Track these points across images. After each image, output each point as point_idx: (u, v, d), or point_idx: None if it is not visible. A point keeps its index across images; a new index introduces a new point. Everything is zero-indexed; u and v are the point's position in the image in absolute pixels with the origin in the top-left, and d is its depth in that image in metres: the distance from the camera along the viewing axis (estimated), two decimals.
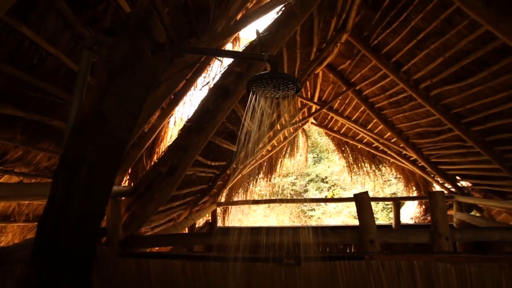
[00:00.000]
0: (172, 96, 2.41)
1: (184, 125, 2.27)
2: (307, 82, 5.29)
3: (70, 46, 1.33)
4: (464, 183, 5.14)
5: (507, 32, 2.13)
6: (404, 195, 6.13)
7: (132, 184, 2.55)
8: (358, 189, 10.66)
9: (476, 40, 2.56)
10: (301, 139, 6.70)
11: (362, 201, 1.88)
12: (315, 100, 5.60)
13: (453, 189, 5.07)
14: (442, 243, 1.84)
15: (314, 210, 10.80)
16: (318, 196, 11.10)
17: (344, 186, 11.90)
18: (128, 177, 2.58)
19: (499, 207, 4.41)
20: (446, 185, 5.20)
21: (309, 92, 5.65)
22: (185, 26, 1.87)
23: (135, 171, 2.56)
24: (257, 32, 2.19)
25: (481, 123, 3.33)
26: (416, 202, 6.09)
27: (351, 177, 6.40)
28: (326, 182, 12.63)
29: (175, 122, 2.74)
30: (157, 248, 2.91)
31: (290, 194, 12.55)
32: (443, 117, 3.66)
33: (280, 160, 6.44)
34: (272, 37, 2.24)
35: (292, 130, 6.24)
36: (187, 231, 3.61)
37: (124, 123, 1.01)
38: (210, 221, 4.98)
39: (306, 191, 12.44)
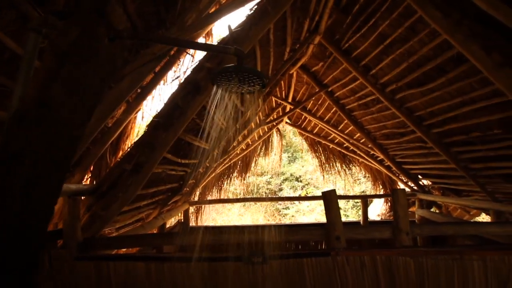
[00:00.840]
0: (139, 90, 2.29)
1: (152, 120, 2.17)
2: (282, 82, 5.33)
3: (15, 28, 1.20)
4: (425, 182, 5.47)
5: (461, 41, 2.28)
6: (372, 193, 6.37)
7: (94, 183, 2.39)
8: (330, 188, 10.95)
9: (435, 47, 2.71)
10: (275, 138, 6.71)
11: (330, 199, 1.92)
12: (290, 100, 5.67)
13: (415, 188, 5.37)
14: (403, 238, 1.93)
15: (288, 209, 10.93)
16: (292, 194, 11.24)
17: (318, 185, 12.20)
18: (90, 175, 2.42)
19: (455, 203, 4.75)
20: (409, 183, 5.50)
21: (283, 92, 5.70)
22: (152, 16, 1.77)
23: (98, 168, 2.40)
24: (229, 27, 2.15)
25: (440, 125, 3.55)
26: (382, 200, 6.36)
27: (323, 176, 6.54)
28: (300, 181, 12.86)
29: (142, 117, 2.61)
30: (124, 250, 2.76)
31: (266, 193, 12.66)
32: (407, 119, 3.85)
33: (254, 159, 6.42)
34: (245, 33, 2.21)
35: (266, 129, 6.27)
36: (156, 232, 3.47)
37: (75, 116, 0.92)
38: (182, 220, 4.85)
39: (281, 190, 12.59)
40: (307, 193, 11.01)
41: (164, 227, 3.39)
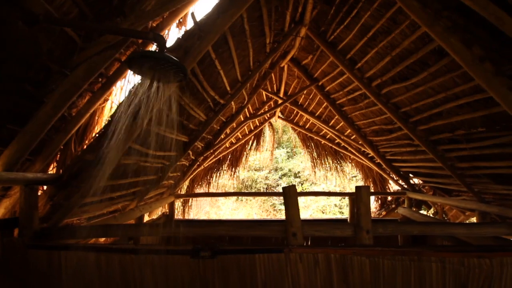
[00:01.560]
0: (104, 80, 2.25)
1: (115, 111, 2.13)
2: (273, 75, 5.24)
3: None
4: (416, 181, 5.36)
5: (440, 33, 2.18)
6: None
7: (61, 172, 2.38)
8: (327, 184, 10.90)
9: (417, 40, 2.61)
10: (267, 133, 6.64)
11: (289, 194, 1.87)
12: (281, 94, 5.58)
13: (406, 186, 5.27)
14: (363, 236, 1.87)
15: (282, 205, 10.82)
16: None
17: (316, 181, 12.15)
18: (55, 165, 2.40)
19: (443, 203, 4.65)
20: (400, 182, 5.40)
21: (275, 86, 5.62)
22: (105, 3, 1.72)
23: (63, 158, 2.39)
24: (193, 15, 2.09)
25: (426, 122, 3.45)
26: (373, 198, 6.28)
27: (314, 172, 6.47)
28: (299, 177, 12.82)
29: (111, 107, 2.58)
30: (93, 240, 2.76)
31: (263, 188, 12.70)
32: (393, 115, 3.76)
33: (245, 153, 6.36)
34: (212, 22, 2.14)
35: (257, 123, 6.21)
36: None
37: None
38: (168, 213, 4.85)
39: (278, 185, 12.56)
40: (302, 189, 10.92)
41: (142, 219, 3.38)
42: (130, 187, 3.04)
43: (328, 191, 9.77)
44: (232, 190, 12.28)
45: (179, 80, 1.14)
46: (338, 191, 5.77)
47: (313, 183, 12.31)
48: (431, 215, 5.88)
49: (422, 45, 2.58)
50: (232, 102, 4.07)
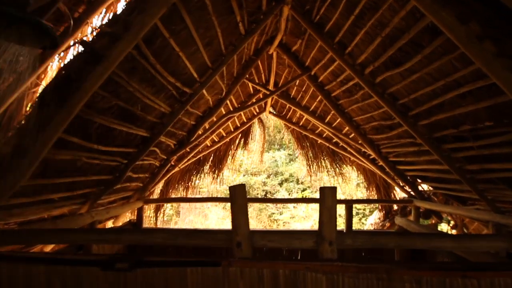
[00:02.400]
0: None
1: (39, 96, 2.03)
2: (260, 64, 5.12)
3: None
4: (425, 187, 5.16)
5: (429, 7, 2.03)
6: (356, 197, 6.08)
7: None
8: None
9: (407, 16, 2.46)
10: (257, 130, 6.51)
11: (234, 195, 1.73)
12: (271, 85, 5.46)
13: (413, 193, 5.08)
14: (325, 249, 1.72)
15: (282, 214, 10.70)
16: (288, 197, 11.03)
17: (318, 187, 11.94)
18: None
19: (453, 213, 4.44)
20: (407, 188, 5.21)
21: (263, 76, 5.50)
22: None
23: None
24: None
25: (426, 116, 3.29)
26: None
27: (310, 176, 6.31)
28: (301, 183, 12.67)
29: (36, 92, 2.48)
30: (53, 247, 2.67)
31: (261, 195, 12.58)
32: (391, 108, 3.60)
33: (230, 153, 6.24)
34: None
35: (244, 119, 6.09)
36: None
37: None
38: (135, 220, 4.75)
39: (278, 192, 12.43)
40: (303, 196, 10.76)
41: (94, 225, 3.28)
42: (76, 188, 2.93)
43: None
44: (221, 196, 12.27)
45: (46, 46, 1.02)
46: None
47: (317, 190, 12.19)
48: (446, 228, 5.67)
49: (414, 22, 2.43)
50: (205, 93, 3.98)
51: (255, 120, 6.42)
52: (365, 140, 4.84)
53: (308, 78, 4.74)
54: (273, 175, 13.41)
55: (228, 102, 5.09)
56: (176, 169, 5.31)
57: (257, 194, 12.55)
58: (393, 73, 3.14)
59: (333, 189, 1.78)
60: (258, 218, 11.35)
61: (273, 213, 11.14)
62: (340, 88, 4.32)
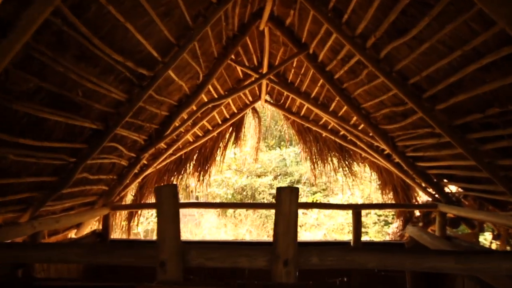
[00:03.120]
0: None
1: None
2: (249, 43, 4.89)
3: None
4: (454, 188, 4.81)
5: None
6: (381, 202, 5.79)
7: None
8: (348, 196, 10.38)
9: None
10: (252, 122, 6.36)
11: (160, 198, 1.50)
12: (264, 68, 5.22)
13: (437, 196, 4.74)
14: (279, 270, 1.46)
15: None
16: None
17: (337, 190, 11.69)
18: None
19: (488, 220, 4.08)
20: (430, 190, 4.87)
21: (254, 57, 5.27)
22: None
23: None
24: None
25: (444, 98, 2.98)
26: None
27: (314, 175, 6.05)
28: (313, 185, 12.39)
29: None
30: None
31: (267, 199, 12.39)
32: (401, 90, 3.32)
33: (219, 150, 6.06)
34: None
35: (235, 110, 5.87)
36: None
37: None
38: (99, 230, 4.61)
39: None
40: (313, 200, 10.49)
41: (37, 238, 3.13)
42: (7, 192, 2.77)
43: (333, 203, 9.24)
44: (219, 200, 12.15)
45: None
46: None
47: (333, 193, 11.85)
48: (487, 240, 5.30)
49: None
50: (174, 76, 3.78)
51: (248, 111, 6.21)
52: (377, 132, 4.57)
53: (307, 57, 4.51)
54: (281, 176, 13.30)
55: (211, 88, 4.91)
56: (152, 169, 5.14)
57: (263, 198, 12.36)
58: (398, 44, 2.85)
59: (293, 191, 1.53)
60: (264, 227, 11.16)
61: None
62: (343, 68, 4.06)
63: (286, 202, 1.51)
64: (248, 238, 9.83)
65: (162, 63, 3.35)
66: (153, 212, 8.66)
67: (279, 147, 14.18)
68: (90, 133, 3.18)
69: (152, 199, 5.51)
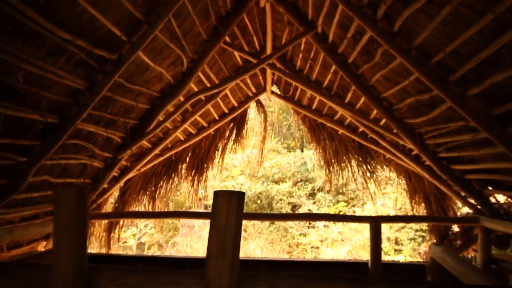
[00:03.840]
0: None
1: None
2: (247, 22, 4.69)
3: None
4: (501, 198, 4.38)
5: None
6: (409, 213, 5.41)
7: None
8: (378, 206, 9.96)
9: None
10: (256, 117, 6.12)
11: (57, 201, 1.28)
12: (268, 51, 4.99)
13: (480, 207, 4.32)
14: None
15: (305, 236, 10.19)
16: (316, 212, 10.46)
17: (368, 199, 11.29)
18: None
19: None
20: (471, 200, 4.45)
21: (255, 39, 5.07)
22: None
23: None
24: None
25: (477, 80, 2.62)
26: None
27: (329, 181, 5.74)
28: (341, 193, 12.05)
29: None
30: None
31: (286, 208, 12.20)
32: (423, 73, 3.01)
33: (217, 150, 5.92)
34: None
35: (235, 103, 5.69)
36: None
37: None
38: None
39: (302, 205, 11.94)
40: (336, 211, 10.14)
41: None
42: None
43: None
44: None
45: None
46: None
47: (363, 203, 11.48)
48: None
49: None
50: (149, 61, 3.63)
51: (252, 105, 6.08)
52: (401, 127, 4.26)
53: (315, 38, 4.28)
54: (302, 182, 13.07)
55: (202, 77, 4.76)
56: (135, 172, 5.02)
57: (281, 208, 12.23)
58: (414, 11, 2.53)
59: (233, 196, 1.27)
60: (286, 242, 10.94)
61: (294, 235, 10.63)
62: (355, 48, 3.79)
63: (223, 211, 1.25)
64: (258, 254, 9.58)
65: (129, 43, 3.18)
66: (149, 222, 8.64)
67: (301, 150, 13.95)
68: (42, 128, 3.05)
69: (137, 207, 5.39)
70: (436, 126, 3.79)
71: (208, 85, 4.91)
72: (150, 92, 4.11)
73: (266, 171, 12.92)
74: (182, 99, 4.55)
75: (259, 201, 12.58)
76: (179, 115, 4.88)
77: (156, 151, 5.07)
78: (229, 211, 1.26)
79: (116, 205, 5.24)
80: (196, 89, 4.73)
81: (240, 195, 1.31)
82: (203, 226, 10.79)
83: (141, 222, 8.41)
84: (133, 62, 3.37)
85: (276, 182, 12.77)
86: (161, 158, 5.35)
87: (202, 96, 4.83)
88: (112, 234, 5.07)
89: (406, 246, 9.09)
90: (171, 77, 4.20)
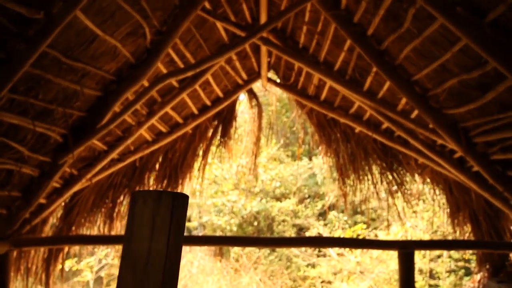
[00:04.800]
0: None
1: None
2: None
3: None
4: None
5: None
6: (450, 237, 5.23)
7: None
8: (407, 228, 9.83)
9: None
10: (248, 111, 6.22)
11: None
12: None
13: None
14: None
15: (314, 267, 10.15)
16: (327, 236, 10.31)
17: (394, 220, 11.23)
18: None
19: None
20: None
21: (245, 8, 4.91)
22: None
23: None
24: None
25: None
26: None
27: (344, 195, 5.50)
28: (360, 213, 12.02)
29: None
30: None
31: (290, 231, 12.32)
32: (475, 39, 2.79)
33: (197, 155, 5.74)
34: None
35: (220, 93, 5.54)
36: None
37: None
38: None
39: (311, 227, 11.84)
40: (353, 235, 10.02)
41: None
42: None
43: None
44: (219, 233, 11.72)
45: None
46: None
47: (388, 224, 11.41)
48: None
49: None
50: (94, 27, 3.36)
51: (243, 94, 5.97)
52: (440, 121, 4.14)
53: (323, 3, 4.02)
54: (310, 198, 13.11)
55: (174, 56, 4.54)
56: (86, 183, 4.74)
57: (284, 232, 12.26)
58: None
59: (163, 198, 0.89)
60: (290, 275, 10.82)
61: (300, 266, 10.69)
62: (376, 13, 3.59)
63: (144, 229, 0.86)
64: None
65: None
66: (112, 249, 8.32)
67: (309, 158, 13.91)
68: None
69: (89, 229, 5.07)
70: (488, 117, 3.67)
71: (181, 64, 4.72)
72: (101, 74, 3.90)
73: (266, 185, 12.97)
74: (146, 84, 4.34)
75: (256, 223, 12.72)
76: (143, 107, 4.71)
77: (114, 155, 4.88)
78: (155, 229, 0.86)
79: (60, 227, 4.94)
80: (164, 70, 4.56)
81: (180, 198, 0.92)
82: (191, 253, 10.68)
83: (100, 250, 8.09)
84: (70, 27, 3.10)
85: (278, 199, 12.79)
86: (121, 165, 5.16)
87: (174, 82, 4.72)
88: (51, 266, 4.76)
89: (444, 280, 9.06)
90: (130, 54, 4.00)
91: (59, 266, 4.89)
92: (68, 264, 7.26)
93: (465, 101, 3.70)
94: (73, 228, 5.05)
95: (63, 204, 4.94)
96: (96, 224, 5.27)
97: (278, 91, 6.33)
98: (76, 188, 4.77)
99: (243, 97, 6.40)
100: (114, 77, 4.06)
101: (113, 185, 5.27)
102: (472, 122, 3.90)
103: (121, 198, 5.36)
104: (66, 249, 4.99)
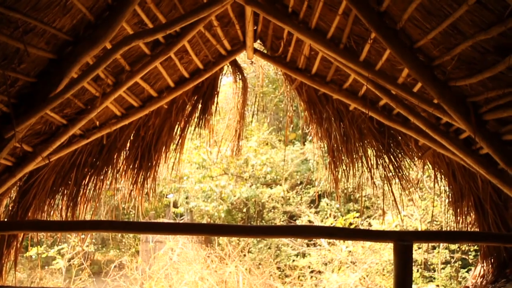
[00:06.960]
0: None
1: None
2: None
3: None
4: None
5: None
6: (453, 227, 5.08)
7: None
8: (402, 217, 9.63)
9: None
10: (230, 88, 5.72)
11: None
12: None
13: None
14: None
15: (304, 257, 9.95)
16: (318, 224, 10.07)
17: (388, 209, 11.07)
18: None
19: None
20: None
21: None
22: None
23: None
24: None
25: None
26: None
27: (335, 180, 5.14)
28: (355, 201, 11.92)
29: None
30: None
31: (280, 220, 12.12)
32: None
33: (174, 134, 5.37)
34: None
35: (200, 65, 5.19)
36: None
37: None
38: None
39: (307, 216, 11.63)
40: (345, 223, 9.79)
41: None
42: None
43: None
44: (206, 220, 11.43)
45: None
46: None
47: (382, 213, 11.29)
48: None
49: None
50: None
51: (226, 67, 5.54)
52: (446, 95, 3.84)
53: None
54: (302, 184, 12.92)
55: (143, 16, 4.16)
56: (42, 162, 4.35)
57: (274, 219, 12.16)
58: None
59: None
60: (278, 264, 10.68)
61: (290, 255, 10.45)
62: None
63: None
64: (239, 281, 9.08)
65: None
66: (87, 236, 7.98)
67: (302, 142, 13.76)
68: None
69: (48, 214, 4.67)
70: (501, 89, 3.34)
71: (150, 25, 4.35)
72: (50, 31, 3.51)
73: (256, 170, 12.77)
74: (109, 46, 3.98)
75: (245, 210, 12.68)
76: (108, 76, 4.34)
77: (76, 130, 4.52)
78: None
79: (14, 210, 4.55)
80: (130, 30, 4.18)
81: None
82: (174, 241, 10.42)
83: (73, 237, 7.75)
84: None
85: (269, 185, 12.71)
86: (85, 141, 4.82)
87: (144, 48, 4.38)
88: (4, 256, 4.39)
89: (440, 272, 8.82)
90: (88, 9, 3.60)
91: (12, 256, 4.50)
92: (36, 251, 6.95)
93: (475, 72, 3.39)
94: (29, 212, 4.69)
95: (16, 185, 4.59)
96: (58, 208, 4.93)
97: (269, 68, 5.88)
98: (32, 167, 4.42)
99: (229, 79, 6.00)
100: (69, 37, 3.68)
101: (76, 164, 4.91)
102: (484, 96, 3.56)
103: (86, 179, 5.00)
104: (21, 235, 4.60)
